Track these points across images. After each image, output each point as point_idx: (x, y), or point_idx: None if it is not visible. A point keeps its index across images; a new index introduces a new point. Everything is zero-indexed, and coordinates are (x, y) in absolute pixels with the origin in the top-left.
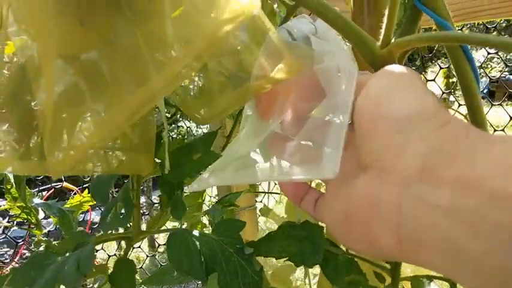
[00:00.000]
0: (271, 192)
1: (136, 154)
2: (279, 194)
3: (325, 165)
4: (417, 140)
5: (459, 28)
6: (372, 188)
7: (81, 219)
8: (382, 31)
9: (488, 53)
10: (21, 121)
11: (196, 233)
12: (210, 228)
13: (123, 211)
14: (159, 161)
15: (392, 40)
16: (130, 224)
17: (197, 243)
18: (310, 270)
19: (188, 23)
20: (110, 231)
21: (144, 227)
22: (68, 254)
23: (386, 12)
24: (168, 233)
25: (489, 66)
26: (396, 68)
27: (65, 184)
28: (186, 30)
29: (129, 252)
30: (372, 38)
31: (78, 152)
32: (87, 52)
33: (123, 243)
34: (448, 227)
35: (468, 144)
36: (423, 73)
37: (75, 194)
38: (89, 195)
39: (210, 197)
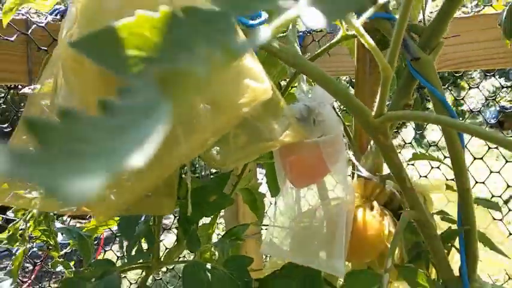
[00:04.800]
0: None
1: (160, 197)
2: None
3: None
4: None
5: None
6: None
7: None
8: (376, 104)
9: (502, 86)
10: None
11: (208, 265)
12: (216, 254)
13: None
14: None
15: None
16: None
17: (209, 275)
18: None
19: (214, 104)
20: None
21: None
22: (93, 280)
23: (379, 90)
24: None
25: (499, 95)
26: None
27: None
28: (212, 110)
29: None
30: (368, 109)
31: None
32: None
33: None
34: None
35: None
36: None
37: (89, 217)
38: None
39: (218, 223)
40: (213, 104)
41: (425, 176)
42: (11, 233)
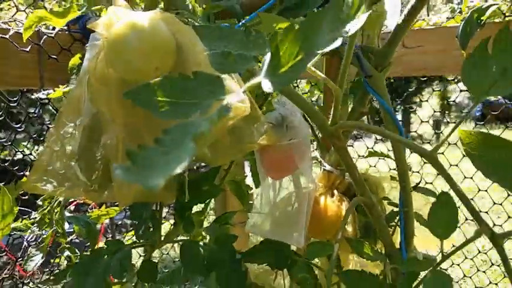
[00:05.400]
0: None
1: (163, 187)
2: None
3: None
4: None
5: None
6: None
7: None
8: (331, 115)
9: None
10: (89, 164)
11: (201, 243)
12: (207, 238)
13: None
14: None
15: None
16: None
17: (201, 250)
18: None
19: None
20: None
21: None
22: (106, 256)
23: (333, 104)
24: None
25: None
26: None
27: (85, 199)
28: None
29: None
30: (325, 118)
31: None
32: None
33: None
34: None
35: None
36: (419, 95)
37: (91, 208)
38: (106, 209)
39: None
40: None
41: (395, 169)
42: (39, 218)
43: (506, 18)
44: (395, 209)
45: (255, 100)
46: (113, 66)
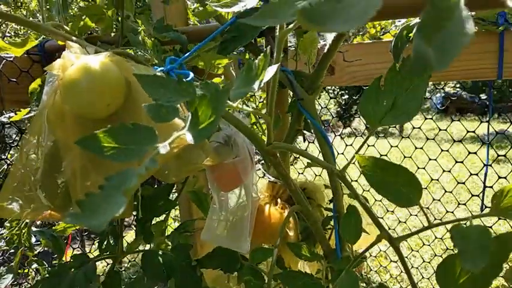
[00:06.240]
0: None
1: None
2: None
3: (243, 247)
4: None
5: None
6: None
7: None
8: (266, 136)
9: None
10: (51, 189)
11: (160, 252)
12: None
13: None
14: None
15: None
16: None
17: (160, 259)
18: None
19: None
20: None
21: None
22: (73, 270)
23: (266, 130)
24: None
25: (442, 82)
26: None
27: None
28: None
29: (114, 266)
30: (261, 139)
31: None
32: None
33: None
34: None
35: None
36: None
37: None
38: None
39: (174, 220)
40: None
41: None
42: (8, 238)
43: None
44: (331, 214)
45: None
46: (68, 105)
